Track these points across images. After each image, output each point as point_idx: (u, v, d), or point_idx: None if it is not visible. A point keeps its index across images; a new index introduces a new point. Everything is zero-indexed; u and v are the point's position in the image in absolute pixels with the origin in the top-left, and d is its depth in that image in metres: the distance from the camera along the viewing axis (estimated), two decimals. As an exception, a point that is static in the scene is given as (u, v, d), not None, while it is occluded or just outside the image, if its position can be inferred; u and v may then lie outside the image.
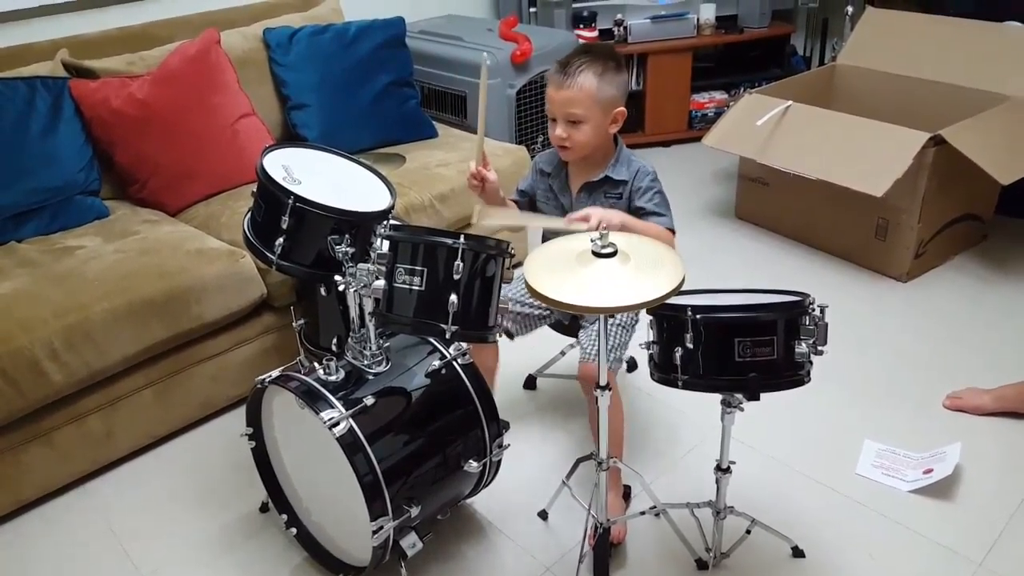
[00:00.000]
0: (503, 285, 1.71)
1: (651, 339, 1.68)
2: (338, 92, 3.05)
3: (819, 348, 1.57)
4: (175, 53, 2.76)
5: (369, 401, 1.70)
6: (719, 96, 4.45)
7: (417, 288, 1.62)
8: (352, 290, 1.74)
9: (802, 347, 1.54)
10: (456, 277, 1.61)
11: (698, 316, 1.56)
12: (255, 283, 2.39)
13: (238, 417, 2.22)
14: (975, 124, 2.83)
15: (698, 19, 4.27)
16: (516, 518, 2.09)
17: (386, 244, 1.62)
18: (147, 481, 2.30)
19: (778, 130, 3.10)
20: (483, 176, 1.89)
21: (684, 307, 1.56)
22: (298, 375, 1.76)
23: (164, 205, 2.73)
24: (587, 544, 1.84)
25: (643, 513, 2.01)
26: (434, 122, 3.30)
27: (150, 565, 2.03)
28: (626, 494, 2.10)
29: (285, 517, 1.98)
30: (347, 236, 1.79)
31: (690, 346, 1.57)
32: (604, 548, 1.82)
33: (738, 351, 1.55)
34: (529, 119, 3.59)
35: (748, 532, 1.88)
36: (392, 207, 1.89)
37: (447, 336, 1.63)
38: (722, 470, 1.78)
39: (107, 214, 2.66)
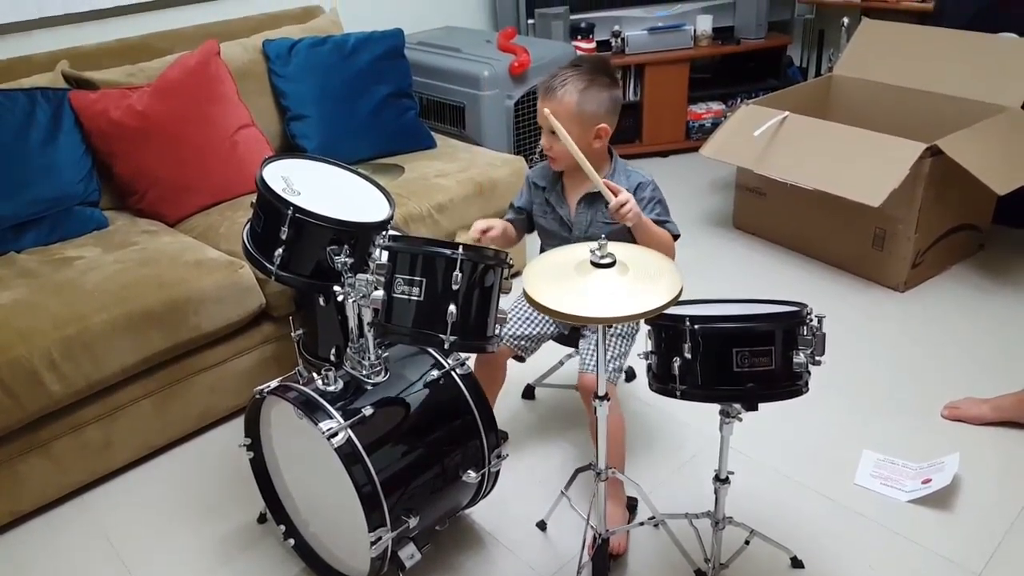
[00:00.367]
0: (501, 297, 1.71)
1: (649, 349, 1.68)
2: (337, 103, 3.06)
3: (817, 358, 1.57)
4: (175, 65, 2.77)
5: (368, 411, 1.70)
6: (716, 107, 4.47)
7: (416, 298, 1.62)
8: (351, 300, 1.75)
9: (800, 357, 1.54)
10: (455, 287, 1.61)
11: (696, 326, 1.56)
12: (254, 293, 2.40)
13: (236, 427, 2.22)
14: (971, 135, 2.84)
15: (695, 30, 4.30)
16: (515, 529, 2.08)
17: (385, 255, 1.63)
18: (145, 492, 2.30)
19: (775, 141, 3.11)
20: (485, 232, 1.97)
21: (682, 317, 1.56)
22: (297, 385, 1.76)
23: (163, 216, 2.74)
24: (586, 554, 1.84)
25: (642, 523, 2.01)
26: (433, 133, 3.31)
27: (148, 576, 2.03)
28: (632, 505, 2.10)
29: (283, 528, 1.98)
30: (346, 246, 1.79)
31: (688, 356, 1.57)
32: (603, 559, 1.81)
33: (736, 361, 1.55)
34: (527, 130, 3.60)
35: (747, 542, 1.88)
36: (391, 217, 1.90)
37: (446, 346, 1.64)
38: (721, 480, 1.78)
39: (106, 224, 2.67)
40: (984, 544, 1.95)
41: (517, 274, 1.57)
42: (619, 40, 4.27)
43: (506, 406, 2.51)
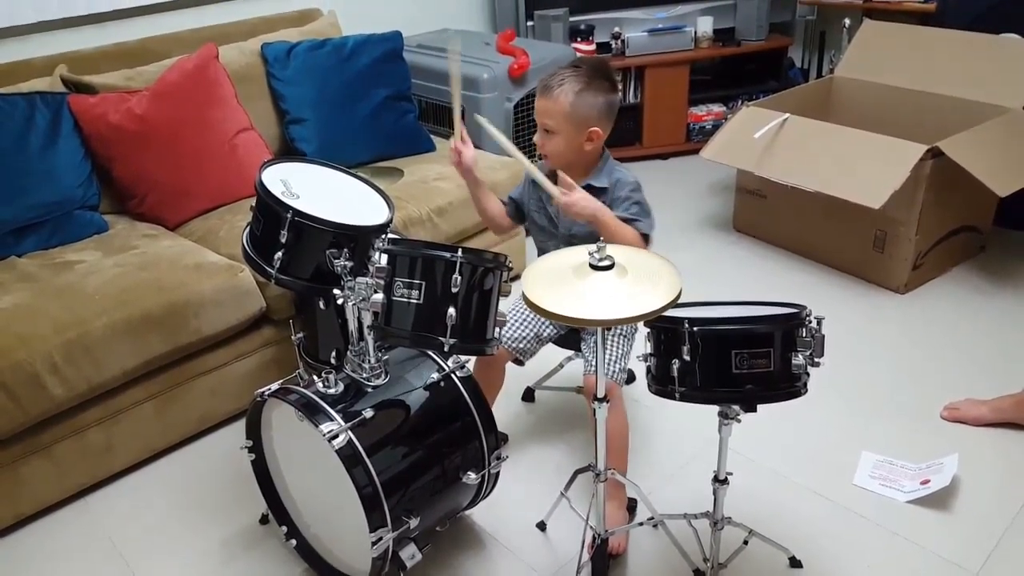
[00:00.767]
0: (501, 300, 1.71)
1: (648, 351, 1.68)
2: (336, 106, 3.07)
3: (816, 360, 1.57)
4: (173, 68, 2.78)
5: (368, 414, 1.71)
6: (717, 109, 4.47)
7: (415, 301, 1.63)
8: (351, 304, 1.75)
9: (799, 359, 1.55)
10: (454, 290, 1.62)
11: (695, 328, 1.56)
12: (254, 297, 2.40)
13: (238, 430, 2.22)
14: (972, 136, 2.84)
15: (695, 32, 4.30)
16: (514, 529, 2.09)
17: (384, 258, 1.63)
18: (147, 494, 2.31)
19: (776, 143, 3.11)
20: (459, 149, 1.97)
21: (681, 320, 1.57)
22: (297, 388, 1.77)
23: (163, 219, 2.74)
24: (585, 554, 1.84)
25: (641, 524, 2.02)
26: (432, 136, 3.32)
27: (149, 579, 2.04)
28: (631, 506, 2.10)
29: (285, 529, 1.98)
30: (346, 250, 1.79)
31: (687, 358, 1.57)
32: (602, 559, 1.82)
33: (735, 363, 1.55)
34: (527, 132, 3.60)
35: (745, 543, 1.88)
36: (390, 221, 1.90)
37: (445, 349, 1.64)
38: (719, 481, 1.78)
39: (106, 229, 2.67)
40: (982, 544, 1.95)
41: (516, 277, 1.57)
42: (619, 42, 4.27)
43: (506, 408, 2.51)
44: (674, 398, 1.62)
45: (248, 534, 2.13)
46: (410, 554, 1.78)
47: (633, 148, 4.40)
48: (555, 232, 2.06)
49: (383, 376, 1.83)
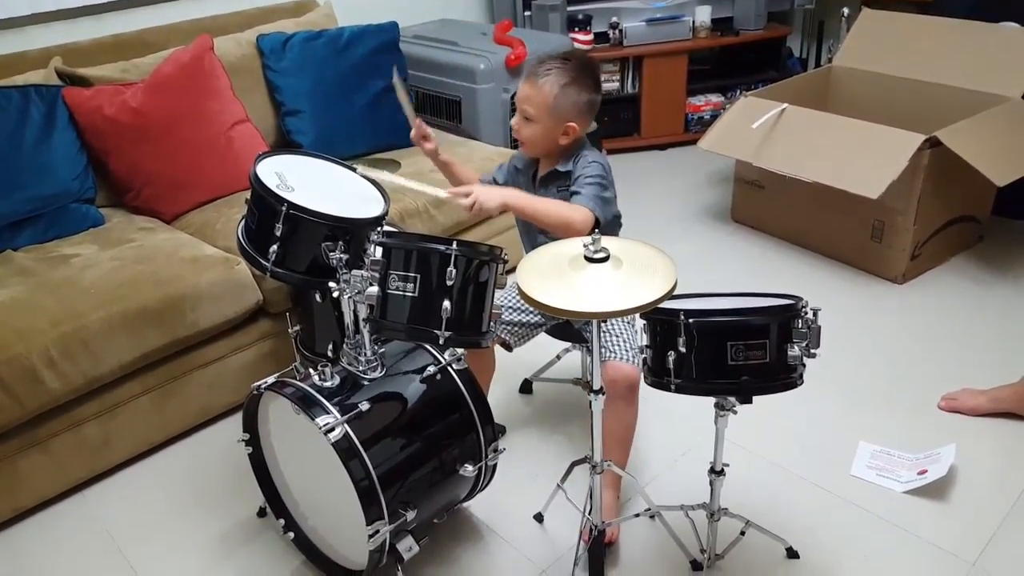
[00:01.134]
0: (496, 292, 1.71)
1: (644, 343, 1.68)
2: (332, 98, 3.06)
3: (812, 351, 1.57)
4: (168, 60, 2.77)
5: (364, 407, 1.71)
6: (715, 99, 4.46)
7: (411, 294, 1.63)
8: (346, 296, 1.74)
9: (795, 350, 1.55)
10: (449, 283, 1.61)
11: (691, 320, 1.56)
12: (250, 290, 2.40)
13: (235, 423, 2.22)
14: (971, 126, 2.83)
15: (694, 21, 4.28)
16: (512, 521, 2.09)
17: (379, 251, 1.63)
18: (145, 488, 2.31)
19: (774, 133, 3.10)
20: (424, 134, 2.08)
21: (677, 311, 1.57)
22: (294, 381, 1.77)
23: (159, 212, 2.74)
24: (582, 546, 1.84)
25: (638, 515, 2.02)
26: (429, 127, 3.30)
27: (149, 571, 2.04)
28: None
29: (283, 522, 1.98)
30: (341, 243, 1.79)
31: (683, 350, 1.57)
32: (599, 550, 1.82)
33: (731, 355, 1.55)
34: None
35: (742, 534, 1.88)
36: (386, 213, 1.90)
37: (441, 342, 1.64)
38: (716, 472, 1.78)
39: (102, 222, 2.67)
40: (979, 534, 1.95)
41: (512, 269, 1.57)
42: (617, 32, 4.25)
43: (503, 400, 2.51)
44: (670, 390, 1.62)
45: (246, 527, 2.13)
46: (407, 546, 1.78)
47: (631, 139, 4.39)
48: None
49: (379, 369, 1.82)
